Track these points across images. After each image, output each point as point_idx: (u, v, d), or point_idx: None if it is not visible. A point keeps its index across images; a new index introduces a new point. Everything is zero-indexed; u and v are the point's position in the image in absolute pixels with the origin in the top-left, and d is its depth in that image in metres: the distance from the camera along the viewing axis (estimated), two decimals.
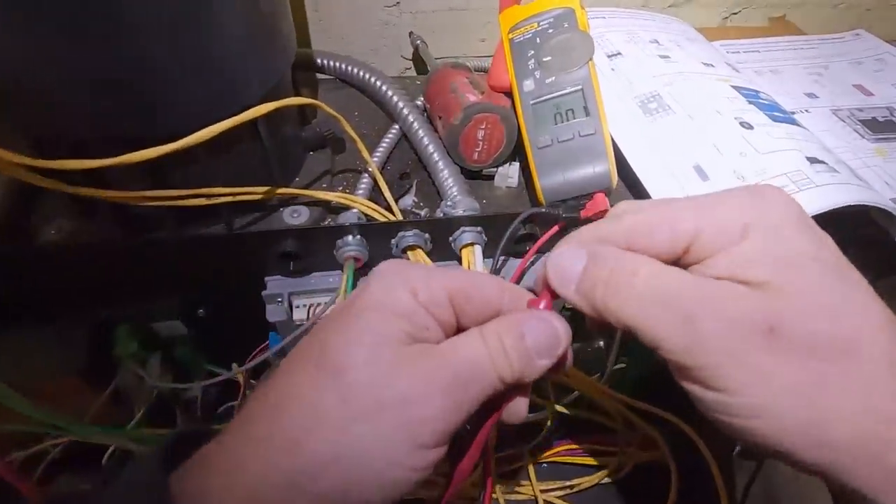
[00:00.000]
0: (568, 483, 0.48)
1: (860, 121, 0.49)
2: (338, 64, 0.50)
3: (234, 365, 0.38)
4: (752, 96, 0.42)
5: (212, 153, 0.32)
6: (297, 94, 0.48)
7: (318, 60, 0.50)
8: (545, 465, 0.50)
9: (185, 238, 0.32)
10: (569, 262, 0.20)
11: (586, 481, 0.48)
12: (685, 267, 0.18)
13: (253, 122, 0.31)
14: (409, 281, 0.20)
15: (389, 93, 0.45)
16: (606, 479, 0.48)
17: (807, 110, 0.49)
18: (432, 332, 0.20)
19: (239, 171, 0.34)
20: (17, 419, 0.31)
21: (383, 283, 0.21)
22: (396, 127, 0.45)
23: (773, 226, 0.17)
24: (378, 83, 0.47)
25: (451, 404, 0.19)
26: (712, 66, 0.45)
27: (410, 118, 0.43)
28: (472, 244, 0.35)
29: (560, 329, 0.21)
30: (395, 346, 0.19)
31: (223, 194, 0.33)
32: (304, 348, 0.21)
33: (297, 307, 0.36)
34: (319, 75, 0.53)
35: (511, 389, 0.21)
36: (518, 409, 0.21)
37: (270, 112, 0.29)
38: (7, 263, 0.31)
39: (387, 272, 0.21)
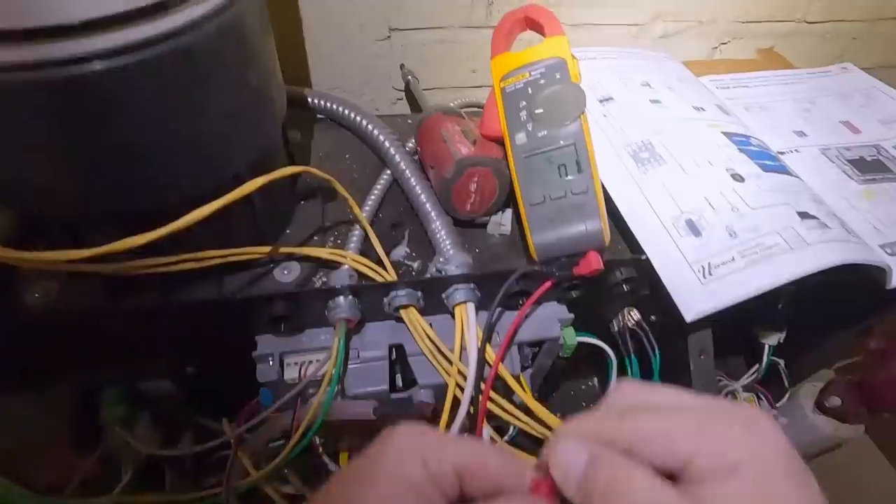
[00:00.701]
0: None
1: (848, 160, 0.49)
2: (329, 104, 0.49)
3: (225, 421, 0.38)
4: (742, 143, 0.42)
5: (208, 221, 0.31)
6: (291, 135, 0.47)
7: (310, 100, 0.50)
8: None
9: (174, 304, 0.32)
10: (572, 459, 0.21)
11: None
12: (676, 477, 0.20)
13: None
14: (422, 452, 0.21)
15: (381, 137, 0.45)
16: None
17: (796, 150, 0.50)
18: None
19: (228, 233, 0.33)
20: None
21: (397, 453, 0.21)
22: (388, 172, 0.44)
23: (762, 469, 0.19)
24: (369, 126, 0.46)
25: None
26: (703, 109, 0.45)
27: (402, 165, 0.43)
28: (465, 302, 0.35)
29: None
30: None
31: (212, 257, 0.33)
32: None
33: (289, 366, 0.36)
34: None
35: None
36: None
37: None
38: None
39: (401, 441, 0.22)
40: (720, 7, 0.65)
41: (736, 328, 0.54)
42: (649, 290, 0.40)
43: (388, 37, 0.59)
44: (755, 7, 0.66)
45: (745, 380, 0.56)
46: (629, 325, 0.43)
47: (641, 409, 0.22)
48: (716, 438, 0.19)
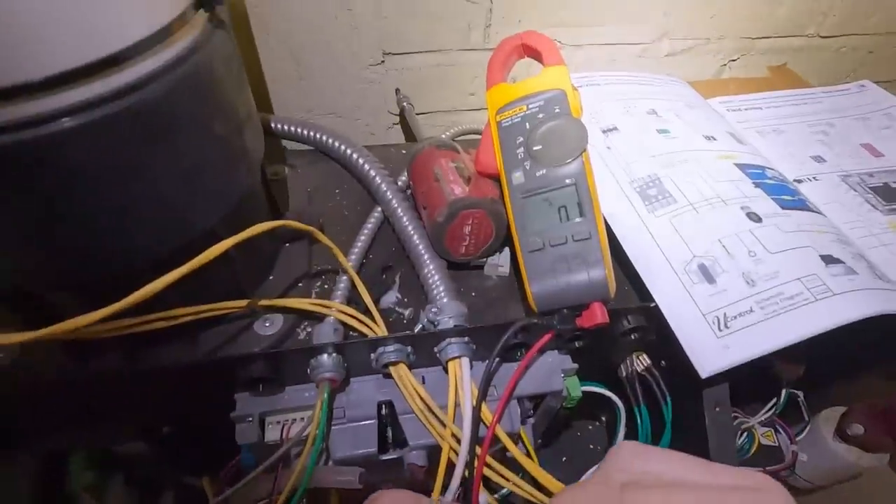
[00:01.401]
0: None
1: (871, 188, 0.46)
2: (318, 135, 0.47)
3: (206, 482, 0.35)
4: (758, 176, 0.39)
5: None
6: (274, 170, 0.45)
7: (297, 130, 0.48)
8: None
9: (143, 369, 0.29)
10: None
11: None
12: None
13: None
14: None
15: (372, 172, 0.43)
16: None
17: (814, 177, 0.47)
18: None
19: (203, 288, 0.31)
20: None
21: None
22: (379, 210, 0.42)
23: None
24: (360, 161, 0.44)
25: None
26: (714, 139, 0.42)
27: (394, 203, 0.40)
28: (459, 357, 0.33)
29: None
30: None
31: (185, 315, 0.30)
32: None
33: (270, 425, 0.33)
34: (298, 144, 0.50)
35: None
36: None
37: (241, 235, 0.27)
38: None
39: None
40: (728, 23, 0.62)
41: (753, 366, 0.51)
42: (659, 336, 0.37)
43: (382, 61, 0.57)
44: (765, 22, 0.63)
45: (762, 416, 0.53)
46: (638, 370, 0.40)
47: (643, 483, 0.20)
48: None
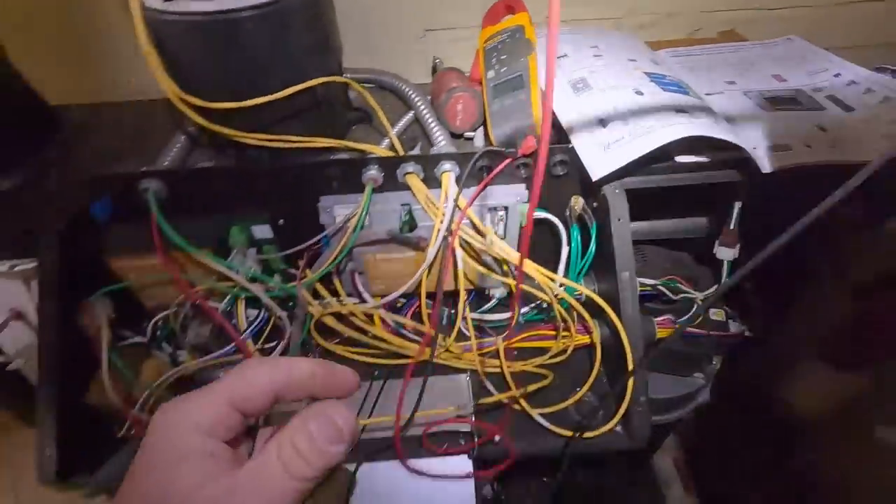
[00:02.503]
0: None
1: (765, 98, 0.63)
2: (376, 76, 0.73)
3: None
4: (657, 78, 0.59)
5: (295, 116, 0.55)
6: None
7: (362, 74, 0.74)
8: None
9: (275, 166, 0.55)
10: None
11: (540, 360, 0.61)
12: None
13: (318, 100, 0.54)
14: (184, 420, 0.24)
15: (405, 88, 0.67)
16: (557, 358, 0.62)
17: (721, 92, 0.65)
18: (222, 456, 0.24)
19: (308, 129, 0.56)
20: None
21: (162, 436, 0.24)
22: (411, 112, 0.66)
23: None
24: (399, 84, 0.69)
25: None
26: (635, 60, 0.63)
27: (419, 102, 0.64)
28: (449, 171, 0.55)
29: (343, 420, 0.26)
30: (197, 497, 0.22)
31: (297, 142, 0.56)
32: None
33: (338, 215, 0.57)
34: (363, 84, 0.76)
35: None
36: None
37: (328, 91, 0.52)
38: (181, 176, 0.54)
39: (160, 423, 0.24)
40: (685, 0, 0.81)
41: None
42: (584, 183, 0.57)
43: (424, 36, 0.82)
44: None
45: (708, 292, 0.66)
46: (576, 208, 0.60)
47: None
48: None
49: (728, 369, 0.73)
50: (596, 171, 0.51)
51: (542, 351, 0.61)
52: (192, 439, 0.24)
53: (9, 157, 0.58)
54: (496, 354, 0.59)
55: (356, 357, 0.60)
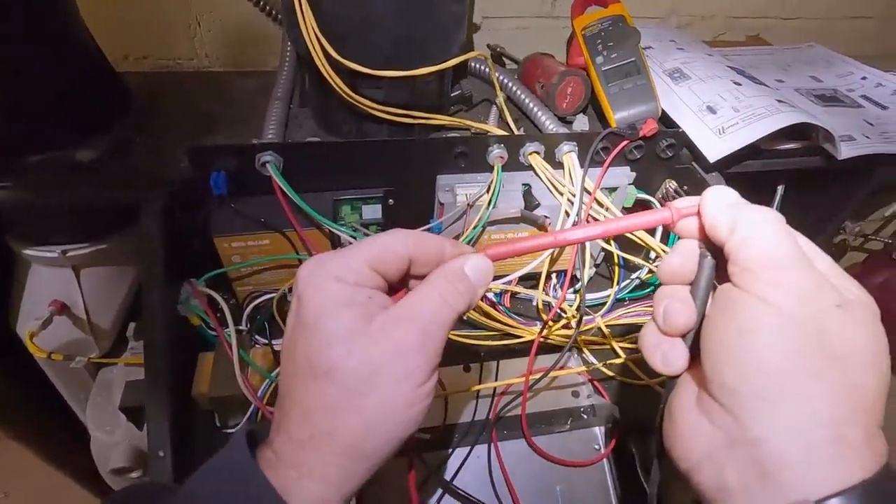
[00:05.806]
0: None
1: (815, 95, 0.71)
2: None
3: None
4: (739, 70, 0.64)
5: (413, 93, 0.53)
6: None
7: None
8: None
9: (393, 140, 0.53)
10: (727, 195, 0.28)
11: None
12: None
13: (440, 76, 0.53)
14: (330, 274, 0.24)
15: (497, 74, 0.67)
16: None
17: (777, 89, 0.72)
18: (376, 299, 0.25)
19: (427, 107, 0.55)
20: None
21: (313, 290, 0.24)
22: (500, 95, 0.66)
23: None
24: (489, 70, 0.69)
25: (426, 351, 0.24)
26: (712, 55, 0.68)
27: (513, 86, 0.65)
28: (570, 152, 0.56)
29: (488, 261, 0.28)
30: (359, 334, 0.23)
31: (418, 117, 0.54)
32: (292, 371, 0.25)
33: (458, 195, 0.56)
34: None
35: None
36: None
37: (459, 64, 0.51)
38: (297, 149, 0.51)
39: (308, 278, 0.25)
40: (719, 5, 0.89)
41: None
42: (686, 161, 0.60)
43: (481, 25, 0.83)
44: (744, 6, 0.90)
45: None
46: (670, 189, 0.63)
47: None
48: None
49: None
50: (712, 154, 0.55)
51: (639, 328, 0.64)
52: (342, 288, 0.24)
53: (87, 125, 0.51)
54: (597, 332, 0.62)
55: (461, 340, 0.60)
